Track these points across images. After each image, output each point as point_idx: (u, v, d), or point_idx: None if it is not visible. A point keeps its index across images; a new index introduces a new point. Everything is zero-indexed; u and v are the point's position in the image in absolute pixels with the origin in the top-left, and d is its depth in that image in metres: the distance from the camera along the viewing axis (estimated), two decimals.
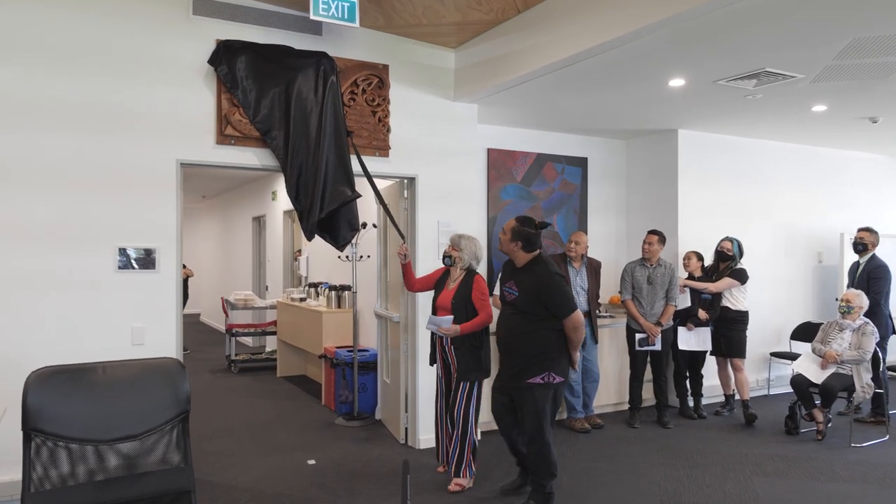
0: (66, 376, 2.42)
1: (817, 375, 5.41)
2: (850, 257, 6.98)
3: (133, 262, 4.18)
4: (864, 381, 5.32)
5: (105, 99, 4.11)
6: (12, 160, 3.90)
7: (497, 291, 5.59)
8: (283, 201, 9.47)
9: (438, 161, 5.27)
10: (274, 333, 9.06)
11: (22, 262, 3.91)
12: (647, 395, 6.15)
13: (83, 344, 4.01)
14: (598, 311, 5.97)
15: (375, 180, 4.68)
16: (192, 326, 13.69)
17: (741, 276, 6.03)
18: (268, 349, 9.48)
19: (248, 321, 9.81)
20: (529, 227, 3.96)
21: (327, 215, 4.50)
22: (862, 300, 5.52)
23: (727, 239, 6.18)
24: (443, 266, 4.59)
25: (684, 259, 6.21)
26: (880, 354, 5.54)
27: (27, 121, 3.92)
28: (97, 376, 2.47)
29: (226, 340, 8.99)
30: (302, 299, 8.01)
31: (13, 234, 3.90)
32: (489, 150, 6.37)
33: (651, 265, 5.85)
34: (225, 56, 4.35)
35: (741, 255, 6.14)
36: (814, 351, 5.60)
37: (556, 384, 3.94)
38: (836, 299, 7.13)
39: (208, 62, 4.36)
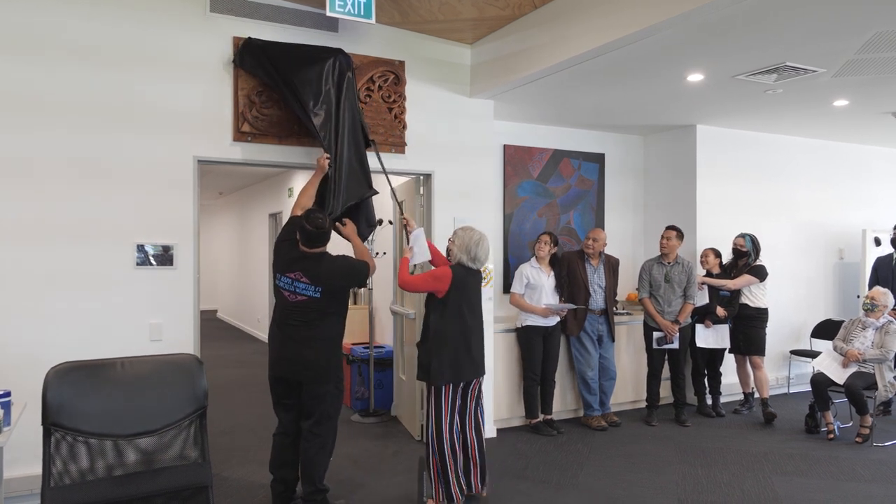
0: (85, 372, 2.45)
1: (838, 374, 5.33)
2: (872, 254, 6.89)
3: (151, 258, 4.21)
4: (886, 379, 5.24)
5: (122, 96, 4.13)
6: (29, 158, 3.92)
7: (515, 289, 5.59)
8: None
9: (454, 157, 5.25)
10: None
11: (41, 258, 3.95)
12: (665, 392, 6.11)
13: (101, 340, 4.05)
14: (615, 309, 5.93)
15: (391, 177, 4.66)
16: (210, 322, 13.79)
17: (760, 273, 5.96)
18: None
19: None
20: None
21: (345, 211, 4.50)
22: (888, 299, 5.42)
23: (740, 235, 6.13)
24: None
25: (702, 256, 6.15)
26: None
27: (45, 118, 3.95)
28: (116, 372, 2.49)
29: None
30: None
31: (32, 231, 3.93)
32: (505, 147, 6.34)
33: (669, 263, 5.81)
34: (247, 55, 4.37)
35: (756, 250, 6.07)
36: (835, 349, 5.52)
37: None
38: (858, 296, 7.06)
39: (233, 62, 4.38)
